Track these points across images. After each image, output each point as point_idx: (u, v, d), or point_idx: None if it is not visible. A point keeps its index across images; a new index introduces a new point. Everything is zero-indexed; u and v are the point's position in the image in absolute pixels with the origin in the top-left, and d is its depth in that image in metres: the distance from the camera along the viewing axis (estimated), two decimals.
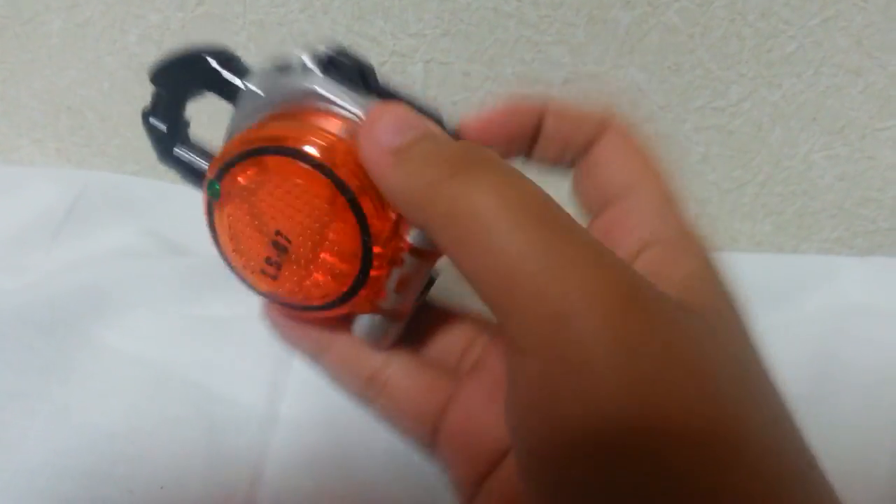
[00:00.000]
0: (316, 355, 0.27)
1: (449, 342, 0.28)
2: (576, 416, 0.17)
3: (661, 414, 0.17)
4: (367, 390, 0.27)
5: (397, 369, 0.27)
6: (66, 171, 0.50)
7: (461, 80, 0.46)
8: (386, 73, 0.46)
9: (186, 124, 0.28)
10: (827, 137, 0.48)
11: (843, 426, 0.37)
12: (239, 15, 0.45)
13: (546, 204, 0.20)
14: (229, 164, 0.25)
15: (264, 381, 0.31)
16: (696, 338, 0.19)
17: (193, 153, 0.28)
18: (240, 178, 0.25)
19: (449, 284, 0.30)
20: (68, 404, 0.32)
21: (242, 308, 0.37)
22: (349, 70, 0.25)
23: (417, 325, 0.28)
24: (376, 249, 0.24)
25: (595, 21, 0.44)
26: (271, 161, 0.24)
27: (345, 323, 0.27)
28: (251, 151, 0.24)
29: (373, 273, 0.24)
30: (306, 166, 0.24)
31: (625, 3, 0.43)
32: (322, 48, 0.25)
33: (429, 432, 0.26)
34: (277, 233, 0.25)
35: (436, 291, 0.29)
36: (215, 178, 0.25)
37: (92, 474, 0.30)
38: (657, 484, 0.17)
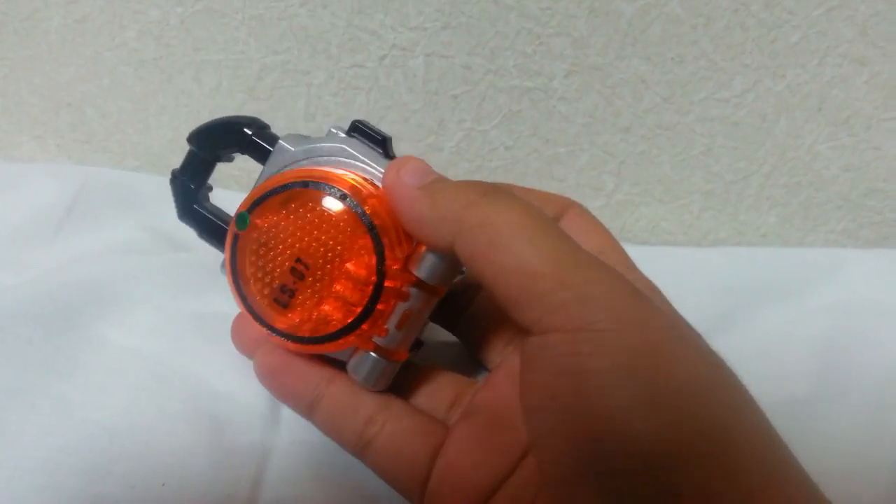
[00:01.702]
0: (313, 402, 0.29)
1: (437, 396, 0.31)
2: (603, 369, 0.22)
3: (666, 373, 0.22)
4: (364, 433, 0.28)
5: (393, 412, 0.29)
6: (66, 168, 0.50)
7: (462, 73, 0.46)
8: (386, 66, 0.46)
9: (210, 188, 0.32)
10: (832, 128, 0.47)
11: (848, 424, 0.37)
12: (238, 10, 0.45)
13: (554, 222, 0.25)
14: (263, 197, 0.27)
15: None
16: (682, 324, 0.25)
17: (211, 213, 0.31)
18: (271, 210, 0.27)
19: (434, 348, 0.33)
20: (69, 400, 0.32)
21: None
22: (370, 136, 0.29)
23: (406, 380, 0.30)
24: (387, 283, 0.27)
25: (597, 13, 0.44)
26: (303, 194, 0.27)
27: (338, 373, 0.29)
28: (286, 185, 0.27)
29: (379, 306, 0.27)
30: (336, 199, 0.27)
31: None
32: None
33: (422, 477, 0.28)
34: (298, 260, 0.27)
35: (421, 358, 0.31)
36: (248, 210, 0.28)
37: (93, 470, 0.30)
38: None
